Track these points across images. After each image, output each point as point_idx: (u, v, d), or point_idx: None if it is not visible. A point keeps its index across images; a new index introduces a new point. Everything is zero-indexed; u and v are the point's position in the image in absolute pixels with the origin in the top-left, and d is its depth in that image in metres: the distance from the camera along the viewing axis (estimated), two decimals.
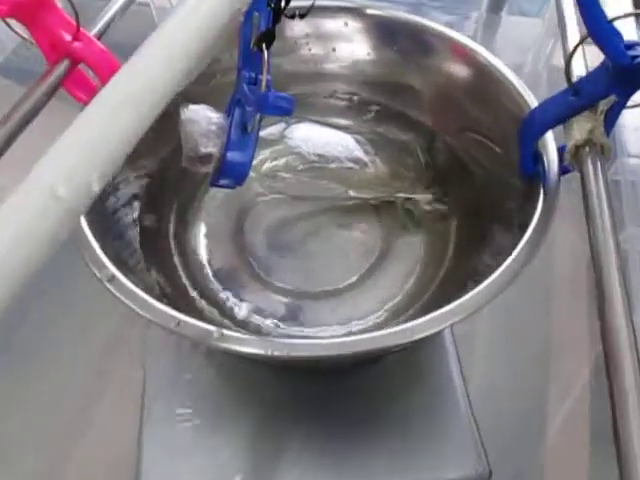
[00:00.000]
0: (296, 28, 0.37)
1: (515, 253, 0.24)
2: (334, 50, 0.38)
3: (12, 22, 0.27)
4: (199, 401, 0.31)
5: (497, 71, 0.32)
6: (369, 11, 0.36)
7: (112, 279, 0.23)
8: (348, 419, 0.30)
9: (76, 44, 0.27)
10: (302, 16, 0.25)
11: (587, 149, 0.22)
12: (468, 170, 0.34)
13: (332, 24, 0.37)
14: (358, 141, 0.35)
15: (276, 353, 0.21)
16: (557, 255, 0.33)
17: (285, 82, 0.38)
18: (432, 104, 0.37)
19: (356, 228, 0.35)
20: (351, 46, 0.38)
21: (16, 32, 0.27)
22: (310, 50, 0.38)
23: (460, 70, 0.35)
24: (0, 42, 0.43)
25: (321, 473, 0.28)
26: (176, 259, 0.32)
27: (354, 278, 0.33)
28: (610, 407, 0.17)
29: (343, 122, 0.38)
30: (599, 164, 0.22)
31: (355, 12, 0.36)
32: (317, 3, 0.35)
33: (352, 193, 0.35)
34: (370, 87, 0.39)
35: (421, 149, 0.36)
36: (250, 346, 0.22)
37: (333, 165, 0.34)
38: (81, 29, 0.27)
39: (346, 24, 0.36)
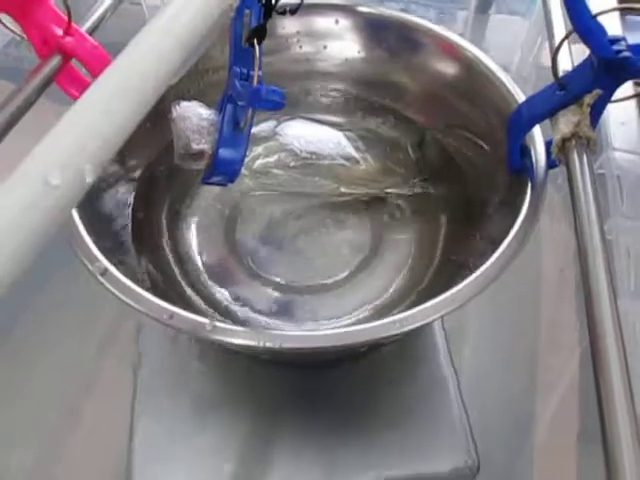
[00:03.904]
0: (287, 26, 0.38)
1: (503, 246, 0.24)
2: (325, 48, 0.38)
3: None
4: (191, 397, 0.31)
5: (485, 68, 0.32)
6: (360, 9, 0.36)
7: (105, 272, 0.23)
8: (339, 413, 0.30)
9: (68, 39, 0.27)
10: (293, 12, 0.26)
11: (573, 142, 0.22)
12: (458, 166, 0.34)
13: (323, 22, 0.37)
14: (349, 138, 0.36)
15: (268, 344, 0.21)
16: (546, 251, 0.34)
17: (276, 81, 0.38)
18: (422, 101, 0.37)
19: (347, 224, 0.35)
20: (342, 44, 0.38)
21: (7, 27, 0.27)
22: (301, 48, 0.39)
23: (450, 67, 0.35)
24: None
25: (312, 467, 0.29)
26: (168, 254, 0.32)
27: (344, 274, 0.33)
28: (596, 396, 0.17)
29: (334, 119, 0.38)
30: (585, 157, 0.22)
31: (346, 10, 0.36)
32: (308, 1, 0.35)
33: (343, 189, 0.35)
34: (361, 85, 0.39)
35: (411, 146, 0.36)
36: (242, 338, 0.22)
37: (325, 162, 0.35)
38: (73, 24, 0.27)
39: (337, 21, 0.37)
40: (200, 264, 0.33)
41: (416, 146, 0.36)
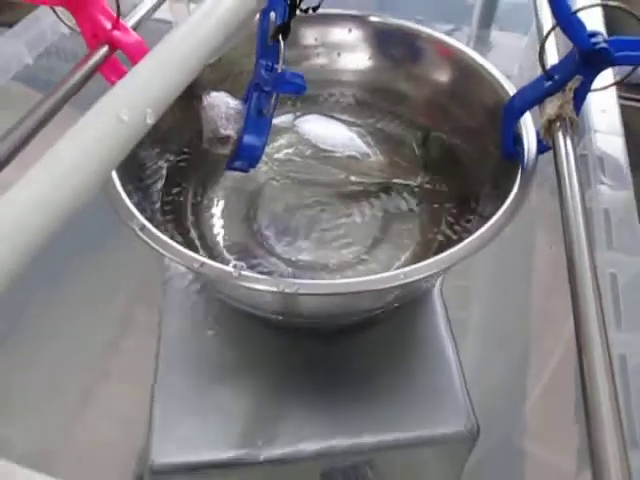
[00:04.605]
0: (307, 36, 0.42)
1: (494, 218, 0.27)
2: (339, 55, 0.42)
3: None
4: (208, 362, 0.33)
5: (488, 74, 0.36)
6: (371, 19, 0.40)
7: (143, 228, 0.26)
8: (343, 379, 0.32)
9: (115, 33, 0.31)
10: (314, 9, 0.29)
11: (558, 123, 0.26)
12: (458, 159, 0.37)
13: (338, 31, 0.41)
14: (359, 133, 0.39)
15: (287, 290, 0.24)
16: (537, 230, 0.36)
17: None
18: (427, 106, 0.41)
19: (356, 211, 0.38)
20: (354, 51, 0.42)
21: (62, 20, 0.31)
22: (318, 57, 0.42)
23: (455, 76, 0.39)
24: (43, 33, 0.47)
25: (315, 430, 0.30)
26: (191, 229, 0.35)
27: (354, 255, 0.36)
28: (577, 353, 0.19)
29: (346, 118, 0.42)
30: (568, 136, 0.25)
31: (358, 20, 0.40)
32: (325, 11, 0.39)
33: (353, 178, 0.38)
34: (370, 91, 0.43)
35: (416, 142, 0.40)
36: (264, 284, 0.25)
37: (337, 153, 0.38)
38: (120, 20, 0.31)
39: (350, 31, 0.41)
40: (221, 241, 0.36)
41: (420, 143, 0.40)
